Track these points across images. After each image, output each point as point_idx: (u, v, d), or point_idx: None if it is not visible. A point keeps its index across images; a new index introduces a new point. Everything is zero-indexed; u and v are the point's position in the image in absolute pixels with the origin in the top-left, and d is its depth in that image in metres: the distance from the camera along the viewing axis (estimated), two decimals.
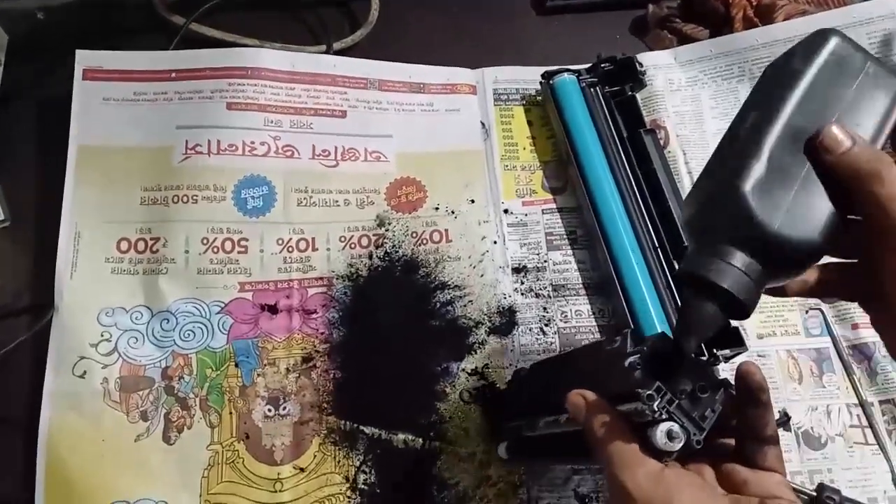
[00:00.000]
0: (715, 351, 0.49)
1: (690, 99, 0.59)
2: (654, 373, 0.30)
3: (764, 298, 0.53)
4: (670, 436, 0.29)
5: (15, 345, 0.48)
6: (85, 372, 0.49)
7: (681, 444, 0.29)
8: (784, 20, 0.58)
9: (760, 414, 0.31)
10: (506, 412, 0.47)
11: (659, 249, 0.53)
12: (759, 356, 0.52)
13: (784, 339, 0.53)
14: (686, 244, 0.52)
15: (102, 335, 0.50)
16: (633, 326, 0.50)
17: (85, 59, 0.55)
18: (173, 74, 0.56)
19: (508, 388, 0.47)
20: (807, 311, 0.53)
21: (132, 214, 0.53)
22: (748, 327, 0.52)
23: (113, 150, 0.54)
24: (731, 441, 0.33)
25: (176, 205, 0.53)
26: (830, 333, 0.53)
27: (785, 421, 0.50)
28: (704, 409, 0.30)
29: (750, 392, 0.31)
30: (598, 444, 0.31)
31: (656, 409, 0.29)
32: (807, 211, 0.27)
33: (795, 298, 0.54)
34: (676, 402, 0.30)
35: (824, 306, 0.53)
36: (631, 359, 0.31)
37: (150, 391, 0.49)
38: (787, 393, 0.51)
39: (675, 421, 0.29)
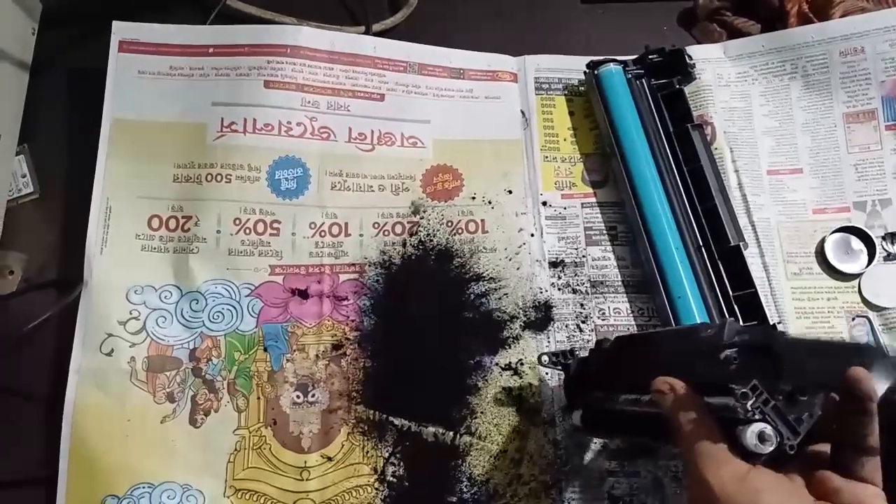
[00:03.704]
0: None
1: (740, 95, 0.57)
2: (751, 368, 0.29)
3: (810, 303, 0.52)
4: (762, 438, 0.27)
5: (42, 319, 0.47)
6: (112, 350, 0.48)
7: (772, 448, 0.27)
8: (841, 17, 0.56)
9: (865, 423, 0.29)
10: (584, 381, 0.45)
11: (703, 248, 0.51)
12: None
13: None
14: (732, 244, 0.50)
15: (131, 313, 0.49)
16: (675, 326, 0.49)
17: (121, 30, 0.54)
18: (211, 50, 0.54)
19: (589, 356, 0.45)
20: (853, 319, 0.52)
21: (164, 191, 0.52)
22: (792, 333, 0.50)
23: (147, 125, 0.53)
24: (827, 447, 0.31)
25: (209, 183, 0.52)
26: (877, 342, 0.51)
27: None
28: (802, 413, 0.28)
29: (856, 400, 0.29)
30: (683, 437, 0.30)
31: (749, 408, 0.27)
32: None
33: (843, 304, 0.52)
34: (772, 402, 0.28)
35: (871, 314, 0.52)
36: (728, 351, 0.29)
37: (178, 372, 0.48)
38: None
39: (769, 422, 0.27)
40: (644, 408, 0.36)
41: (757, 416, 0.28)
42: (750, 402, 0.28)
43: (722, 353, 0.30)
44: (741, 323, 0.48)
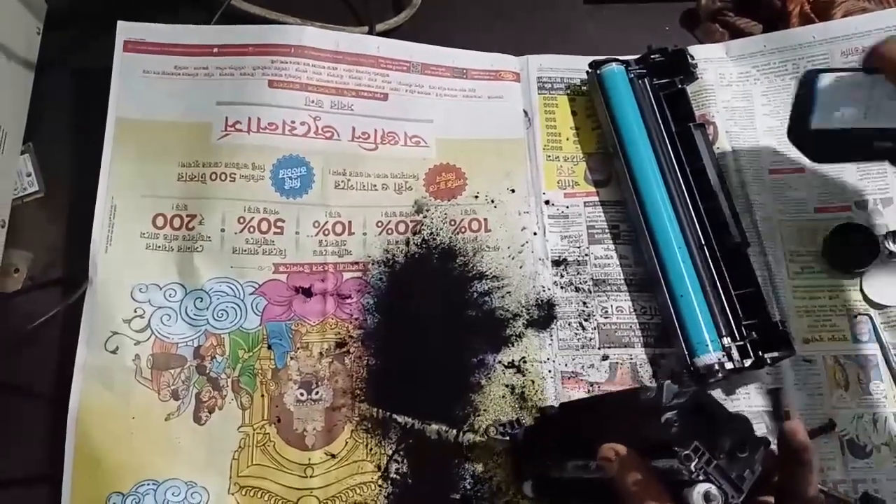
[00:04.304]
0: (762, 354, 0.48)
1: (741, 95, 0.57)
2: (692, 429, 0.29)
3: (812, 301, 0.52)
4: (707, 498, 0.28)
5: (48, 317, 0.48)
6: (117, 347, 0.48)
7: None
8: (843, 17, 0.56)
9: (803, 474, 0.30)
10: (533, 450, 0.45)
11: (706, 247, 0.51)
12: (805, 361, 0.50)
13: (831, 345, 0.51)
14: (734, 242, 0.51)
15: (136, 311, 0.49)
16: (677, 325, 0.49)
17: (126, 30, 0.55)
18: (215, 49, 0.55)
19: (535, 424, 0.46)
20: (855, 316, 0.52)
21: (169, 190, 0.52)
22: (794, 331, 0.51)
23: (151, 124, 0.53)
24: (771, 499, 0.32)
25: (213, 182, 0.52)
26: (879, 340, 0.51)
27: (830, 429, 0.49)
28: (743, 469, 0.30)
29: (793, 452, 0.30)
30: (631, 501, 0.30)
31: (693, 469, 0.28)
32: None
33: (844, 302, 0.52)
34: (714, 462, 0.29)
35: (873, 312, 0.52)
36: (668, 414, 0.30)
37: (182, 370, 0.49)
38: (832, 400, 0.50)
39: (713, 482, 0.28)
40: (592, 473, 0.36)
41: (701, 477, 0.29)
42: (693, 464, 0.28)
43: (663, 416, 0.31)
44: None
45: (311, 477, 0.47)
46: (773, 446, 0.32)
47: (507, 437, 0.46)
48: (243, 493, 0.46)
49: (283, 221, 0.53)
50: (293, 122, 0.54)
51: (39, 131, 0.55)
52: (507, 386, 0.50)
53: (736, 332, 0.49)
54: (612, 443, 0.33)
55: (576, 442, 0.40)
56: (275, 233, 0.52)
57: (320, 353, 0.50)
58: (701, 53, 0.58)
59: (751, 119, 0.57)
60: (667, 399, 0.31)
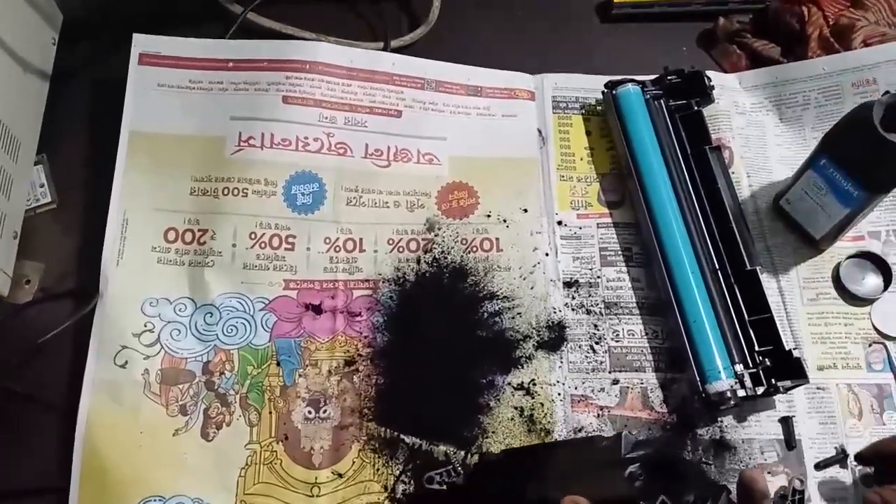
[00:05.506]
0: (774, 381, 0.48)
1: (755, 124, 0.57)
2: (657, 482, 0.29)
3: (826, 329, 0.51)
4: None
5: (59, 330, 0.48)
6: (126, 362, 0.48)
7: None
8: (862, 42, 0.56)
9: None
10: (474, 498, 0.43)
11: (720, 272, 0.51)
12: (818, 389, 0.50)
13: (845, 373, 0.51)
14: (748, 268, 0.50)
15: (146, 325, 0.49)
16: (689, 351, 0.49)
17: (141, 43, 0.55)
18: (230, 64, 0.55)
19: (475, 473, 0.44)
20: (870, 345, 0.51)
21: (181, 204, 0.52)
22: (808, 358, 0.50)
23: (165, 138, 0.53)
24: None
25: (226, 197, 0.52)
26: (893, 370, 0.50)
27: (842, 458, 0.48)
28: None
29: (753, 500, 0.31)
30: None
31: None
32: None
33: (859, 330, 0.52)
34: None
35: (888, 341, 0.51)
36: (632, 468, 0.30)
37: (191, 385, 0.49)
38: (845, 429, 0.49)
39: None
40: None
41: None
42: None
43: (626, 470, 0.30)
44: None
45: (317, 496, 0.47)
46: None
47: (445, 487, 0.44)
48: None
49: (295, 237, 0.52)
50: (306, 137, 0.54)
51: (53, 142, 0.55)
52: (515, 408, 0.50)
53: (749, 358, 0.49)
54: (572, 495, 0.32)
55: (523, 492, 0.39)
56: (286, 249, 0.52)
57: (329, 371, 0.50)
58: (715, 81, 0.57)
59: (764, 147, 0.57)
60: (625, 450, 0.31)
